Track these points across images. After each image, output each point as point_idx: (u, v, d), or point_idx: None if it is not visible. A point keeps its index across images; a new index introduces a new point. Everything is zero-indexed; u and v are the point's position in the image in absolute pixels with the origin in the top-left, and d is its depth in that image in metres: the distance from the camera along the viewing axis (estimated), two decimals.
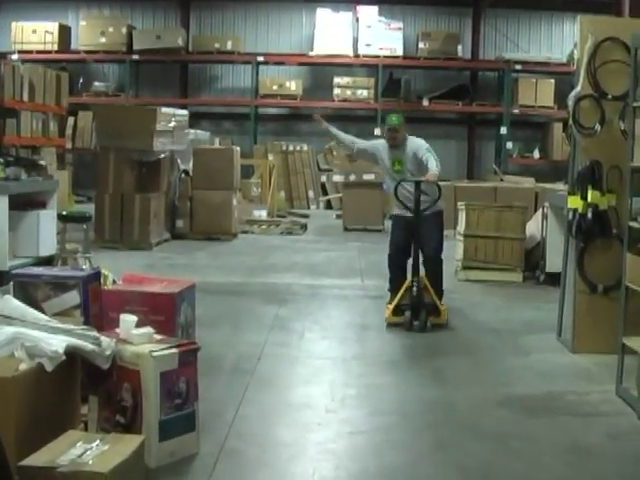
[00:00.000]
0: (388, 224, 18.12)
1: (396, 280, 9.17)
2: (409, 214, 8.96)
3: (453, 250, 12.26)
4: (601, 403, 6.32)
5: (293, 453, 5.18)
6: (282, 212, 20.27)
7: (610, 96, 7.63)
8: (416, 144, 9.10)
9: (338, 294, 10.63)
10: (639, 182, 6.51)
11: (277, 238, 16.49)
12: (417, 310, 8.67)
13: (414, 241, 8.95)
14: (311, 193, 23.43)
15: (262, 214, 18.82)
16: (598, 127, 7.65)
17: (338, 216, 19.54)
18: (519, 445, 5.41)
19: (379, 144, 9.55)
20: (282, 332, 8.41)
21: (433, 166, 8.64)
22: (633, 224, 6.38)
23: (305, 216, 20.30)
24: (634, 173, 6.52)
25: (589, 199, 7.55)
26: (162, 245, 14.70)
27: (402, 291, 8.80)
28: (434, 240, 9.08)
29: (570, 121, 7.85)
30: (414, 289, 8.70)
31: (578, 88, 7.74)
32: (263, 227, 17.67)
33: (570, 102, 7.79)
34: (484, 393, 6.53)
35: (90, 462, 3.97)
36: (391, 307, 8.84)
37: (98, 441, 4.21)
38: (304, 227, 17.90)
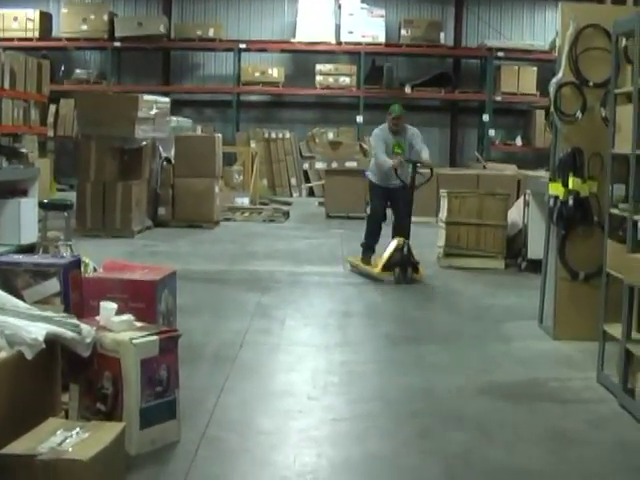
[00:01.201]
0: None
1: (374, 239, 11.23)
2: (392, 186, 10.97)
3: (435, 237, 12.28)
4: (582, 390, 6.34)
5: (275, 441, 5.18)
6: (264, 199, 20.23)
7: (591, 83, 7.64)
8: (413, 133, 11.10)
9: (320, 281, 10.63)
10: (620, 169, 6.51)
11: (259, 225, 16.47)
12: (406, 267, 10.41)
13: (394, 207, 11.18)
14: (293, 180, 23.41)
15: (244, 201, 18.77)
16: (579, 114, 7.66)
17: (320, 203, 19.54)
18: (500, 432, 5.42)
19: (382, 133, 11.09)
20: (264, 320, 8.40)
21: (427, 155, 10.83)
22: (614, 211, 6.39)
23: (287, 203, 20.27)
24: (615, 160, 6.53)
25: (570, 186, 7.56)
26: (144, 233, 14.67)
27: (392, 251, 10.48)
28: (410, 207, 10.89)
29: (551, 108, 7.85)
30: (404, 249, 10.40)
31: (559, 75, 7.75)
32: (245, 215, 17.64)
33: (551, 89, 7.80)
34: (466, 380, 6.54)
35: (70, 450, 3.96)
36: (380, 264, 10.53)
37: (78, 429, 4.19)
38: (286, 214, 17.89)
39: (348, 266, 11.40)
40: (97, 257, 7.69)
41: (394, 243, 10.57)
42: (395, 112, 10.98)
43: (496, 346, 7.62)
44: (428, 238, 12.50)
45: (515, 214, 11.97)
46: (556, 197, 7.73)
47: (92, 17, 23.71)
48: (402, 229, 10.77)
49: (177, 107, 21.11)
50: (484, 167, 20.40)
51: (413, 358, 7.18)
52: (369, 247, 11.21)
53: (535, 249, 10.24)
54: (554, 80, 7.79)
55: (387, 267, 10.47)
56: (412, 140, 10.98)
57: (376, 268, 10.59)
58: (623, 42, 6.65)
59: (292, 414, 5.66)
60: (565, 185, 7.59)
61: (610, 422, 5.67)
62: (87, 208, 14.22)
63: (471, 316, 8.87)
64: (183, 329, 5.59)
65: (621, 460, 5.08)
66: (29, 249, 10.22)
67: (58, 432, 4.14)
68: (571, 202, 7.57)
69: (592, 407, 5.98)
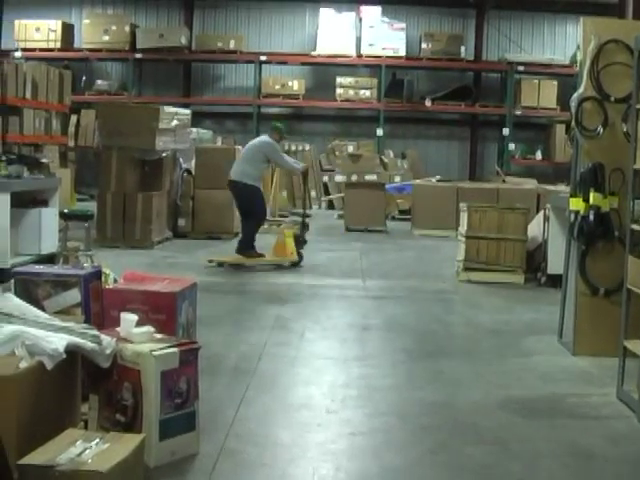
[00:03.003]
0: (390, 225, 18.21)
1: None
2: None
3: (455, 251, 12.26)
4: (602, 406, 6.32)
5: (293, 454, 5.18)
6: (284, 212, 20.24)
7: (613, 98, 7.62)
8: None
9: (339, 294, 10.62)
10: None
11: None
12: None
13: None
14: (313, 193, 23.41)
15: None
16: (601, 129, 7.64)
17: (340, 216, 19.55)
18: (518, 447, 5.40)
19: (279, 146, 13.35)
20: (283, 332, 8.41)
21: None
22: (635, 227, 6.37)
23: (307, 216, 20.26)
24: (636, 175, 6.51)
25: (591, 201, 7.54)
26: (164, 244, 14.71)
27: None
28: None
29: (573, 123, 7.84)
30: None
31: (581, 90, 7.73)
32: (264, 226, 17.63)
33: (573, 104, 7.79)
34: (484, 395, 6.52)
35: (89, 461, 3.97)
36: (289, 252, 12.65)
37: (98, 440, 4.20)
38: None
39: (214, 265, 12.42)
40: (117, 268, 7.72)
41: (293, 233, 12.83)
42: (284, 131, 13.64)
43: (515, 361, 7.60)
44: (447, 252, 12.48)
45: (535, 229, 11.94)
46: (577, 212, 7.71)
47: (114, 28, 23.84)
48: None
49: (197, 119, 21.15)
50: (504, 181, 20.36)
51: (431, 372, 7.16)
52: (254, 245, 12.77)
53: (555, 264, 10.20)
54: (575, 95, 7.78)
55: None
56: None
57: (290, 256, 12.60)
58: None
59: (310, 427, 5.66)
60: (586, 200, 7.57)
61: (630, 438, 5.65)
62: (107, 218, 14.27)
63: (490, 330, 8.85)
64: (203, 341, 5.60)
65: None
66: (49, 259, 10.27)
67: (77, 443, 4.14)
68: (592, 217, 7.55)
69: (611, 423, 5.95)
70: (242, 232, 13.10)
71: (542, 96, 23.71)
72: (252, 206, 12.84)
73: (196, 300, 6.42)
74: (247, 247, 12.70)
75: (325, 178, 23.52)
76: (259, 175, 12.96)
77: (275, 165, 14.33)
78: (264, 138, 13.32)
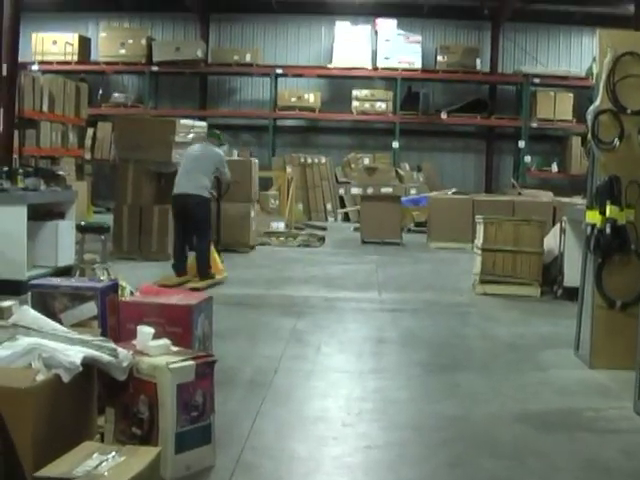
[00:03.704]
0: (406, 237, 18.19)
1: None
2: None
3: (471, 263, 12.24)
4: (619, 419, 6.29)
5: (309, 467, 5.17)
6: (300, 224, 20.27)
7: (629, 111, 7.61)
8: None
9: (355, 307, 10.61)
10: None
11: (295, 250, 16.50)
12: None
13: None
14: (329, 205, 23.44)
15: (280, 226, 18.84)
16: (617, 142, 7.63)
17: (356, 229, 19.54)
18: (535, 461, 5.38)
19: None
20: (299, 345, 8.40)
21: None
22: None
23: (323, 228, 20.31)
24: None
25: (608, 214, 7.52)
26: None
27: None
28: None
29: (589, 136, 7.82)
30: None
31: (597, 102, 7.72)
32: (281, 239, 17.68)
33: (589, 117, 7.77)
34: (501, 409, 6.50)
35: (106, 474, 3.97)
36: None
37: (114, 453, 4.20)
38: (322, 239, 17.91)
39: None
40: (133, 280, 7.73)
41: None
42: (223, 139, 13.37)
43: (532, 374, 7.57)
44: (464, 265, 12.46)
45: (551, 241, 11.91)
46: (593, 225, 7.69)
47: (130, 42, 23.96)
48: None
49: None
50: (519, 193, 20.35)
51: (448, 385, 7.14)
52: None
53: (571, 277, 10.17)
54: (591, 107, 7.76)
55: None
56: None
57: (221, 272, 12.11)
58: None
59: (326, 440, 5.65)
60: (602, 213, 7.54)
61: None
62: (124, 231, 14.32)
63: (507, 344, 8.82)
64: (218, 354, 5.59)
65: None
66: (66, 271, 10.30)
67: (94, 456, 4.14)
68: (608, 230, 7.52)
69: (629, 437, 5.92)
70: (197, 252, 12.00)
71: (558, 108, 23.71)
72: (206, 222, 12.01)
73: (212, 313, 6.42)
74: (207, 267, 11.85)
75: (341, 191, 23.55)
76: (211, 187, 12.25)
77: (218, 175, 12.57)
78: (213, 148, 12.45)
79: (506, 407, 6.53)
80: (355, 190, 21.22)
